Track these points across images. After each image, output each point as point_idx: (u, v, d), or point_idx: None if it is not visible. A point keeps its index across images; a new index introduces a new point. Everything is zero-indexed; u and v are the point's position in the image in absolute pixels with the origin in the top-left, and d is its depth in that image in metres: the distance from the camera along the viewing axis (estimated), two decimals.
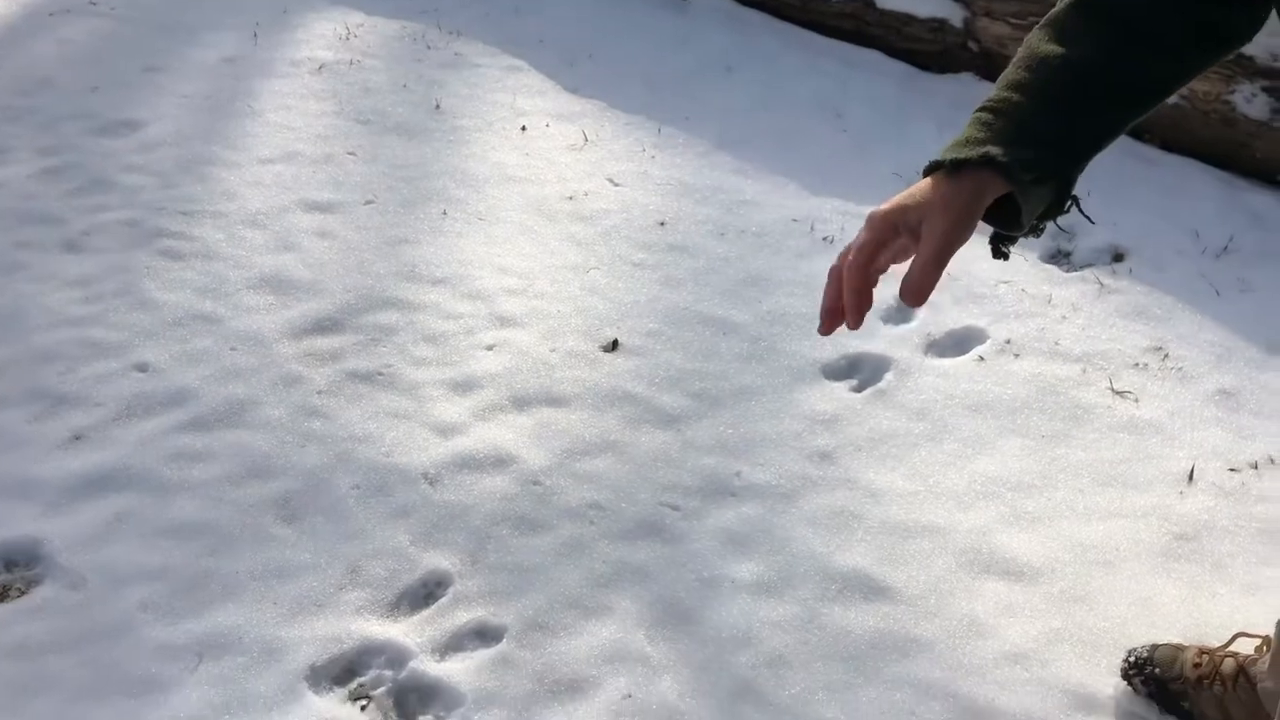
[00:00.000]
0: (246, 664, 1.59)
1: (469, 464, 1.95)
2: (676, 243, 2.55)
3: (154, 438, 1.96)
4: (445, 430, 2.02)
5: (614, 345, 2.24)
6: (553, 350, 2.22)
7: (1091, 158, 0.96)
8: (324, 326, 2.26)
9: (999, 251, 0.98)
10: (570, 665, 1.62)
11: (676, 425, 2.06)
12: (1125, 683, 1.62)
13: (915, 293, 0.89)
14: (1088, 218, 1.07)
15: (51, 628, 1.61)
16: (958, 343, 2.28)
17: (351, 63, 3.24)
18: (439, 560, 1.77)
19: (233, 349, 2.18)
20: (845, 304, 0.92)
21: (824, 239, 2.55)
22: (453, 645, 1.65)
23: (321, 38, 3.39)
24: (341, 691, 1.58)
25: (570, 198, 2.69)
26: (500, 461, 1.96)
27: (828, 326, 0.95)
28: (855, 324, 0.93)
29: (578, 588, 1.73)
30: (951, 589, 1.76)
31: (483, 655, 1.63)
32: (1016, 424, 2.06)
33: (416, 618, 1.68)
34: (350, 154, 2.83)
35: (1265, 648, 1.55)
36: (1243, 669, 1.55)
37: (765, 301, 2.36)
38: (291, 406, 2.05)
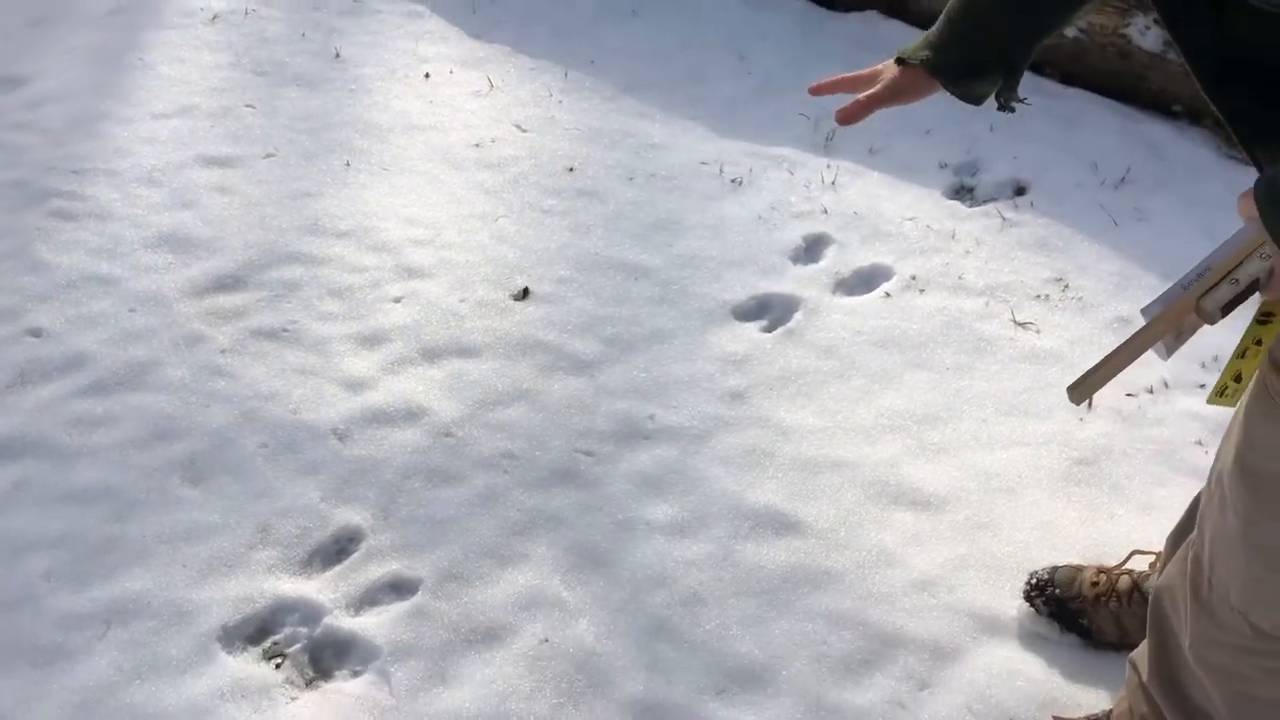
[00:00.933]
0: (157, 628, 1.57)
1: (379, 418, 1.93)
2: (585, 188, 2.53)
3: (51, 404, 1.91)
4: (354, 385, 2.00)
5: (524, 293, 2.23)
6: (462, 300, 2.20)
7: (1027, 53, 1.22)
8: (226, 284, 2.21)
9: (1004, 107, 1.26)
10: (487, 614, 1.62)
11: (589, 371, 2.06)
12: (1028, 604, 1.67)
13: (845, 116, 1.24)
14: (1023, 100, 1.28)
15: None
16: (864, 280, 2.30)
17: (247, 12, 3.14)
18: (351, 516, 1.75)
19: (131, 310, 2.12)
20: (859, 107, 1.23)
21: (732, 181, 2.56)
22: (367, 600, 1.64)
23: None
24: (255, 650, 1.57)
25: (477, 145, 2.65)
26: (411, 415, 1.95)
27: (819, 88, 1.28)
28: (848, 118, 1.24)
29: (492, 537, 1.73)
30: (860, 521, 1.79)
31: (398, 608, 1.63)
32: (922, 358, 2.09)
33: (329, 574, 1.67)
34: (249, 106, 2.75)
35: (1158, 563, 1.61)
36: (1136, 585, 1.61)
37: (675, 245, 2.36)
38: (194, 367, 2.01)
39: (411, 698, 1.51)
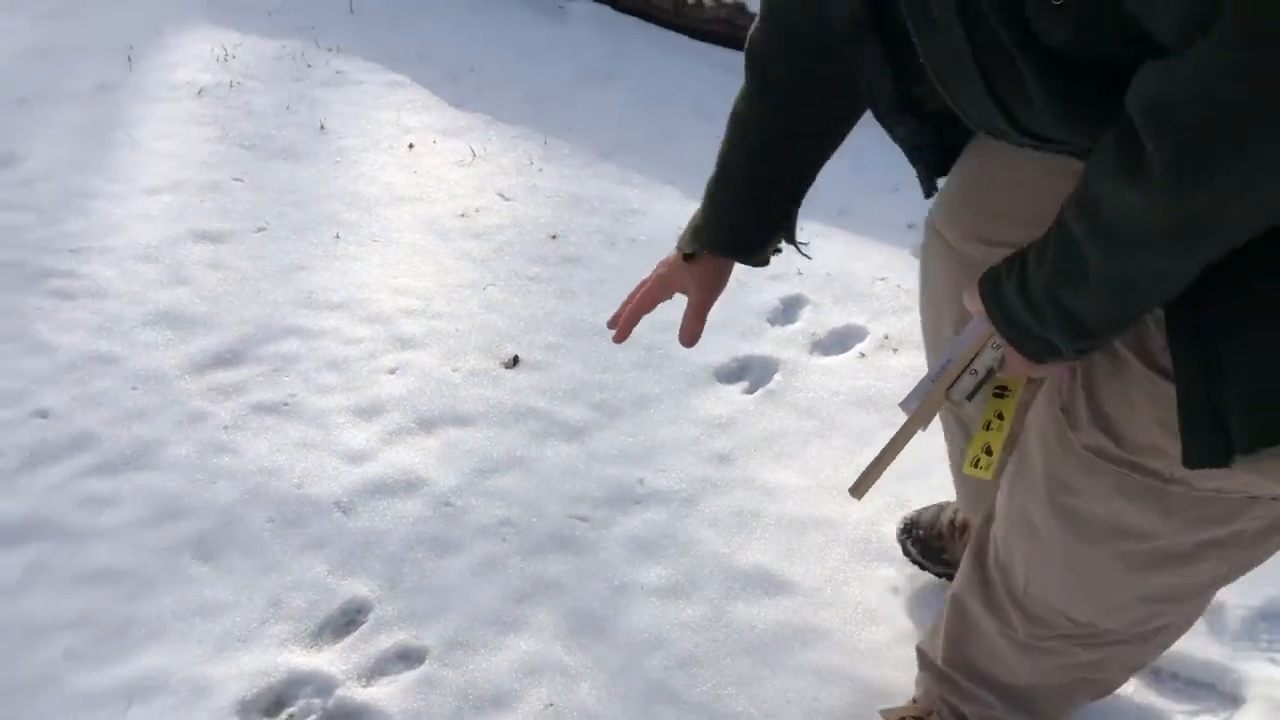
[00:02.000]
0: (176, 704, 1.63)
1: (380, 490, 2.00)
2: (569, 255, 2.63)
3: (61, 484, 1.97)
4: (354, 457, 2.07)
5: (514, 361, 2.32)
6: (454, 370, 2.29)
7: (796, 207, 1.36)
8: (225, 360, 2.28)
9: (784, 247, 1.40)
10: (492, 680, 1.70)
11: (580, 437, 2.14)
12: (900, 548, 1.85)
13: (687, 336, 1.42)
14: (805, 254, 1.49)
15: None
16: (840, 340, 2.41)
17: (232, 85, 3.23)
18: (358, 587, 1.82)
19: (133, 389, 2.19)
20: (624, 320, 1.43)
21: None
22: (377, 670, 1.71)
23: (199, 59, 3.36)
24: None
25: (462, 215, 2.75)
26: (410, 485, 2.02)
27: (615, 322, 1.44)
28: (621, 337, 1.45)
29: (494, 604, 1.81)
30: (846, 579, 1.88)
31: (407, 677, 1.70)
32: (898, 418, 2.18)
33: (340, 645, 1.74)
34: (237, 180, 2.84)
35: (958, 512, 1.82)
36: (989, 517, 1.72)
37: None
38: (199, 444, 2.08)
39: None
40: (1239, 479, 0.99)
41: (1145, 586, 1.19)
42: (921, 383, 1.21)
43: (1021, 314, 1.00)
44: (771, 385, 2.28)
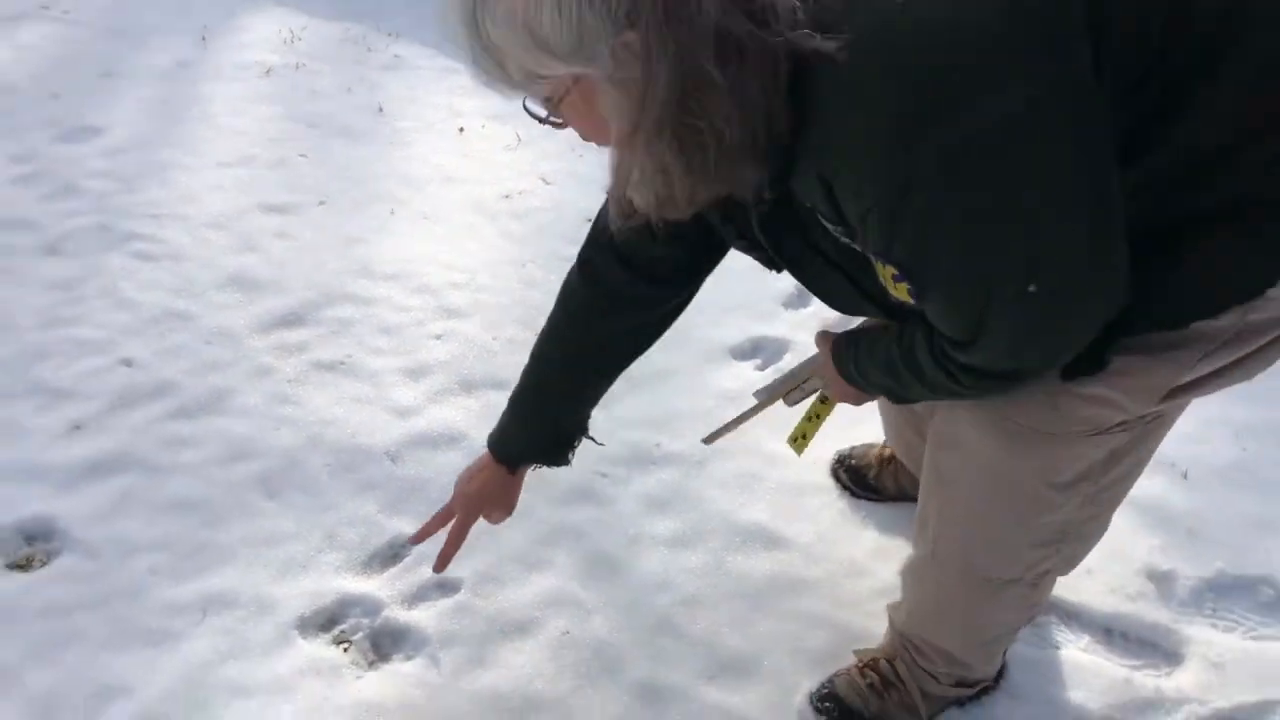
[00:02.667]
0: (244, 617, 1.89)
1: (425, 442, 2.25)
2: None
3: (145, 426, 2.23)
4: (403, 412, 2.32)
5: None
6: (494, 338, 2.53)
7: (587, 418, 1.76)
8: (289, 321, 2.54)
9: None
10: (518, 610, 1.94)
11: (605, 404, 2.33)
12: (833, 479, 2.19)
13: (443, 564, 1.73)
14: (595, 441, 1.79)
15: (74, 591, 1.89)
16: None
17: (297, 66, 3.48)
18: (403, 526, 2.07)
19: (208, 343, 2.45)
20: (445, 549, 1.72)
21: None
22: (418, 596, 1.96)
23: (266, 41, 3.61)
24: (326, 637, 1.89)
25: (506, 196, 2.98)
26: (452, 439, 2.26)
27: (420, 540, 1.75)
28: (441, 567, 1.73)
29: (522, 545, 2.05)
30: (835, 538, 2.10)
31: (444, 604, 1.94)
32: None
33: (386, 574, 1.99)
34: (302, 156, 3.09)
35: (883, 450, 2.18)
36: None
37: None
38: (266, 394, 2.33)
39: (456, 678, 1.83)
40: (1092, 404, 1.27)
41: (1033, 532, 1.45)
42: (772, 383, 1.72)
43: (856, 379, 1.43)
44: (782, 364, 2.50)
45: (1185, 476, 2.27)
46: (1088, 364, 1.18)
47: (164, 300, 2.55)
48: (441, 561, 1.73)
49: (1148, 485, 2.24)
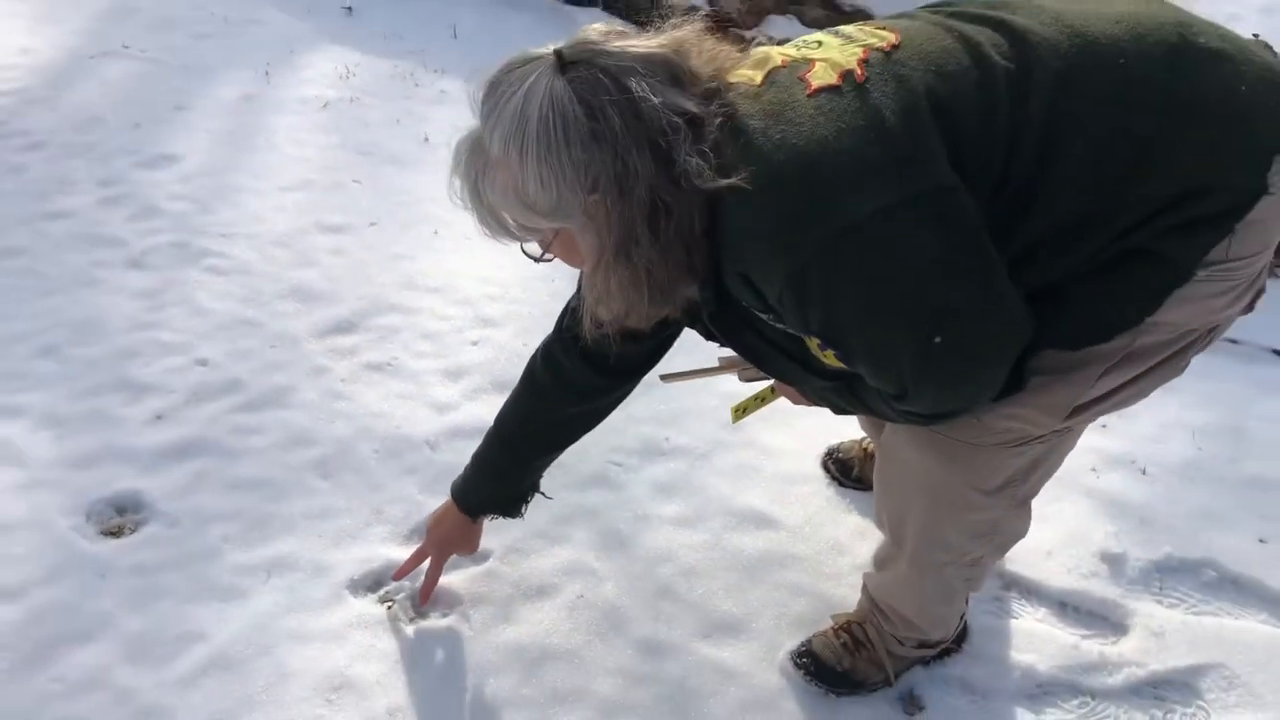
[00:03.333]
0: (304, 578, 2.19)
1: (461, 433, 2.54)
2: None
3: (218, 416, 2.55)
4: (441, 408, 2.62)
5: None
6: (525, 345, 2.82)
7: (527, 491, 2.09)
8: (342, 328, 2.85)
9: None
10: (539, 576, 2.23)
11: (622, 404, 2.65)
12: (823, 470, 2.47)
13: (426, 598, 2.12)
14: (545, 496, 2.13)
15: (159, 554, 2.21)
16: None
17: (351, 100, 3.82)
18: (441, 503, 2.37)
19: (271, 347, 2.77)
20: (424, 585, 2.10)
21: None
22: (453, 564, 2.24)
23: (324, 76, 3.96)
24: (373, 597, 2.18)
25: None
26: (483, 430, 2.55)
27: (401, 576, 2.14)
28: (423, 602, 2.12)
29: (544, 523, 2.33)
30: (822, 521, 2.37)
31: (474, 570, 2.23)
32: None
33: None
34: (355, 182, 3.42)
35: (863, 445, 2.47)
36: None
37: None
38: (321, 391, 2.64)
39: (484, 632, 2.11)
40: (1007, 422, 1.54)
41: (969, 528, 1.74)
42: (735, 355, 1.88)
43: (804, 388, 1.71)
44: None
45: (1144, 472, 2.51)
46: (1010, 386, 1.45)
47: (234, 309, 2.87)
48: (423, 596, 2.13)
49: (1108, 479, 2.50)
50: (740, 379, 1.97)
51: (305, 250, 3.12)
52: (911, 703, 2.05)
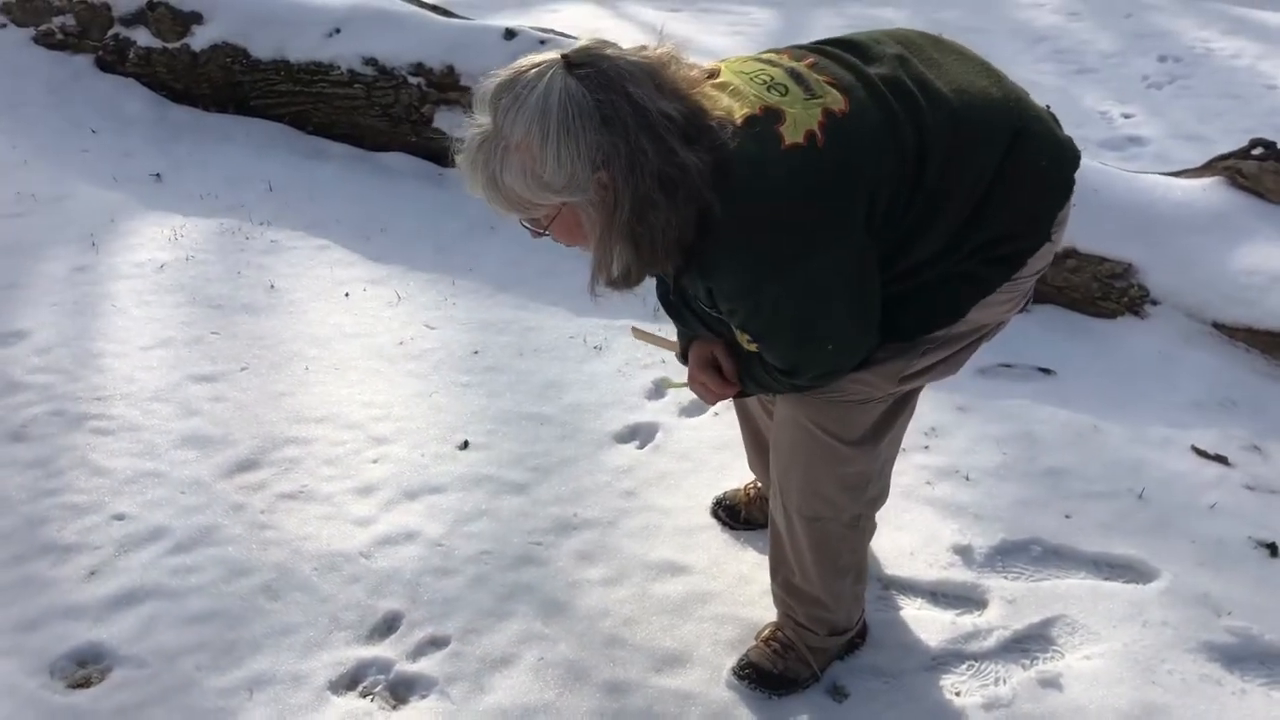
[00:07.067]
0: (285, 689, 2.35)
1: (389, 541, 2.76)
2: (490, 365, 3.47)
3: (152, 562, 2.66)
4: (363, 522, 2.83)
5: (465, 445, 3.12)
6: (422, 455, 3.07)
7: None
8: (245, 466, 3.01)
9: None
10: (499, 649, 2.47)
11: (525, 491, 2.96)
12: (713, 518, 2.85)
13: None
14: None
15: (138, 694, 2.31)
16: (698, 405, 3.30)
17: (188, 258, 3.97)
18: (391, 603, 2.58)
19: (182, 493, 2.90)
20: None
21: (594, 347, 3.55)
22: (418, 652, 2.46)
23: (153, 240, 4.09)
24: (353, 693, 2.37)
25: (400, 342, 3.56)
26: (409, 536, 2.79)
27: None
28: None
29: (489, 603, 2.59)
30: (726, 560, 2.74)
31: (440, 654, 2.46)
32: (744, 453, 3.09)
33: (388, 640, 2.49)
34: (214, 333, 3.57)
35: (751, 487, 2.90)
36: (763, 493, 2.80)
37: (564, 397, 3.31)
38: (245, 524, 2.80)
39: (466, 703, 2.34)
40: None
41: (840, 479, 2.17)
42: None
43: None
44: (655, 441, 3.15)
45: (967, 479, 3.03)
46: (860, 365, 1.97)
47: (133, 464, 2.98)
48: (722, 397, 2.22)
49: (941, 488, 3.00)
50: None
51: (185, 401, 3.25)
52: (838, 692, 2.43)
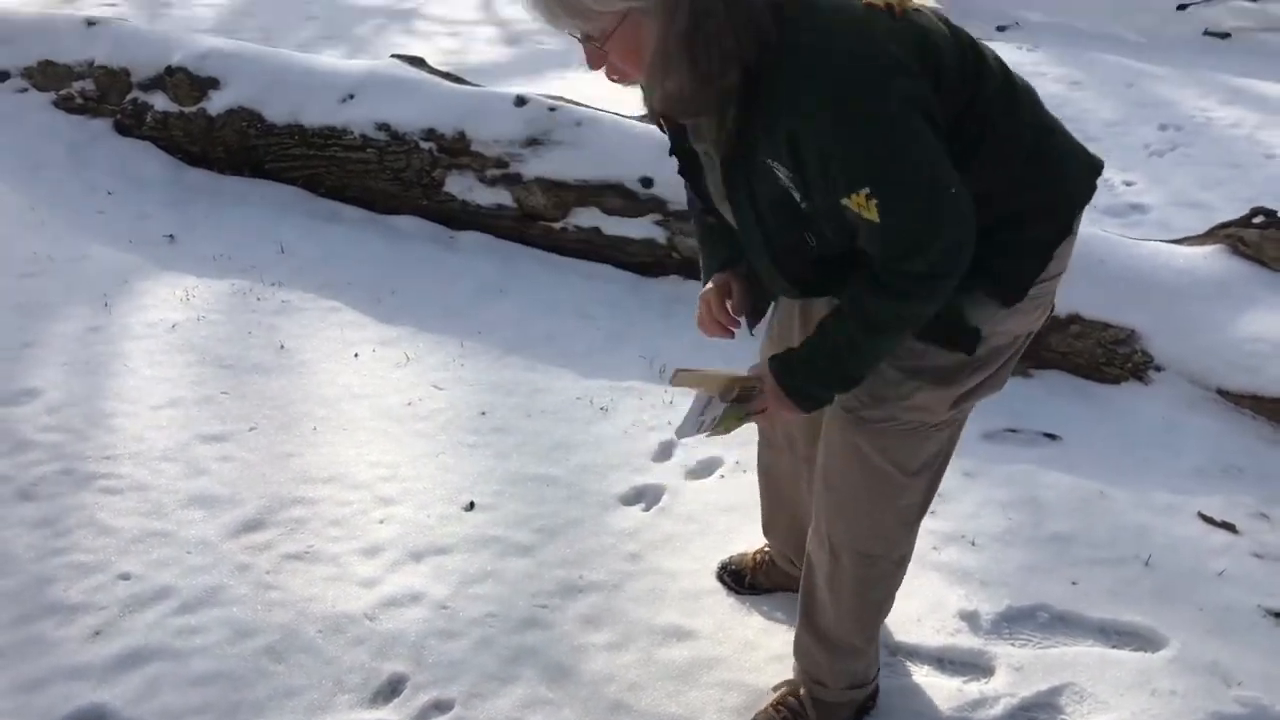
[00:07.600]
0: None
1: (394, 603, 2.76)
2: (497, 426, 3.48)
3: (157, 623, 2.66)
4: (368, 583, 2.83)
5: (471, 505, 3.13)
6: (428, 515, 3.08)
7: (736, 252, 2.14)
8: (252, 526, 3.02)
9: None
10: (504, 714, 2.46)
11: (531, 553, 2.96)
12: (719, 582, 2.84)
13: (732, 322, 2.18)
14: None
15: None
16: (705, 467, 3.31)
17: (199, 319, 4.01)
18: (395, 666, 2.57)
19: (188, 553, 2.90)
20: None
21: (601, 409, 3.57)
22: (422, 716, 2.45)
23: (165, 301, 4.13)
24: None
25: (409, 403, 3.58)
26: (415, 597, 2.79)
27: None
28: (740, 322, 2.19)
29: (494, 667, 2.58)
30: (732, 624, 2.73)
31: (444, 719, 2.45)
32: (751, 516, 3.09)
33: (393, 704, 2.48)
34: (224, 393, 3.60)
35: (766, 550, 2.88)
36: (771, 558, 2.81)
37: (570, 459, 3.33)
38: (251, 585, 2.80)
39: None
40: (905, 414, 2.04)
41: (899, 513, 2.17)
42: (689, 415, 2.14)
43: (803, 387, 1.99)
44: (662, 504, 3.16)
45: (973, 544, 3.03)
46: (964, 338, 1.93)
47: (140, 523, 2.99)
48: (736, 312, 2.17)
49: (947, 553, 3.00)
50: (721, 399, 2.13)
51: (193, 461, 3.27)
52: None
